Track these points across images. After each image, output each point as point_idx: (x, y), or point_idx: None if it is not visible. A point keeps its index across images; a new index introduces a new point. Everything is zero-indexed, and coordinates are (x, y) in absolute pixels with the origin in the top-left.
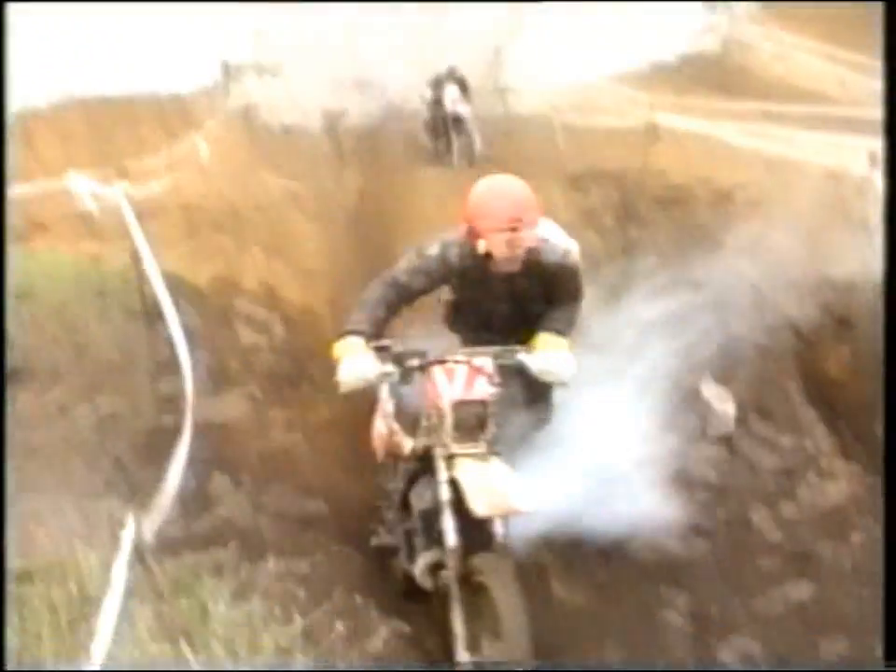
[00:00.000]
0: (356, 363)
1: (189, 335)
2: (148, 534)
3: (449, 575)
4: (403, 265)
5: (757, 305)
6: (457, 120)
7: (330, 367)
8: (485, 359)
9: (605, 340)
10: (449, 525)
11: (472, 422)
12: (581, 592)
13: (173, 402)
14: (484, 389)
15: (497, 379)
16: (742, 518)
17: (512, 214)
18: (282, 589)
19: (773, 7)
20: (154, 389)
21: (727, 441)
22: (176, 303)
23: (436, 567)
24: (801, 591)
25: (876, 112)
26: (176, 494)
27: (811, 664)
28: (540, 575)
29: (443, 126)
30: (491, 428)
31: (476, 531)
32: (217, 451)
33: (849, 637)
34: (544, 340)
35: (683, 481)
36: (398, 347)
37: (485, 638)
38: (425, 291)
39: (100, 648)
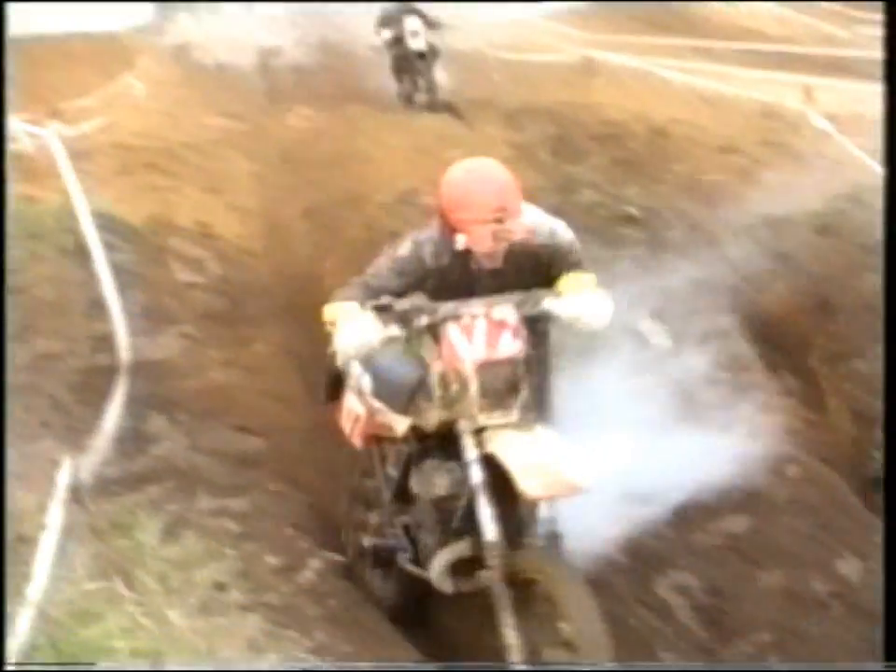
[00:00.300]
0: (356, 328)
1: (124, 274)
2: (85, 474)
3: (492, 575)
4: (373, 269)
5: (693, 240)
6: (421, 56)
7: (266, 304)
8: (507, 310)
9: None
10: (486, 513)
11: (502, 386)
12: None
13: (108, 342)
14: (511, 346)
15: (523, 332)
16: None
17: (497, 202)
18: (219, 527)
19: None
20: (89, 329)
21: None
22: (111, 243)
23: (464, 565)
24: (738, 524)
25: (812, 49)
26: (113, 434)
27: (752, 597)
28: None
29: (407, 65)
30: (524, 392)
31: (507, 518)
32: (153, 390)
33: (785, 570)
34: (574, 279)
35: (619, 418)
36: (402, 304)
37: (546, 645)
38: (400, 294)
39: (36, 588)
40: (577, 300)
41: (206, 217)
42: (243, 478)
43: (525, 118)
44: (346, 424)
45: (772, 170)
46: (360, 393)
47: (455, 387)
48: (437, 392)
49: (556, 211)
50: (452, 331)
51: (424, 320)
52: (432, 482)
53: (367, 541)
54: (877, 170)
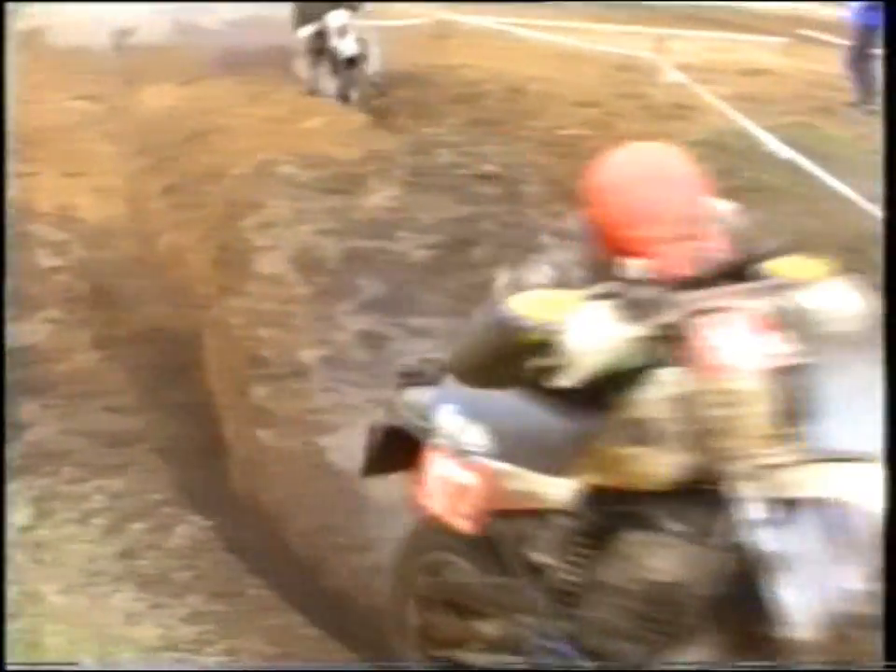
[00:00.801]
0: (590, 326)
1: None
2: None
3: None
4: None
5: (553, 194)
6: (350, 62)
7: (132, 284)
8: (760, 303)
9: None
10: (792, 597)
11: (794, 406)
12: None
13: None
14: (791, 349)
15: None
16: None
17: (691, 208)
18: (92, 505)
19: None
20: None
21: None
22: None
23: None
24: None
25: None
26: None
27: None
28: None
29: (333, 66)
30: (816, 413)
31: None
32: (23, 377)
33: None
34: (803, 264)
35: None
36: (634, 291)
37: None
38: None
39: None
40: (832, 290)
41: (67, 200)
42: (116, 457)
43: (383, 83)
44: (437, 501)
45: (629, 121)
46: (463, 454)
47: (721, 412)
48: (676, 426)
49: (415, 172)
50: (708, 330)
51: (671, 315)
52: (642, 564)
53: (480, 660)
54: (733, 115)
